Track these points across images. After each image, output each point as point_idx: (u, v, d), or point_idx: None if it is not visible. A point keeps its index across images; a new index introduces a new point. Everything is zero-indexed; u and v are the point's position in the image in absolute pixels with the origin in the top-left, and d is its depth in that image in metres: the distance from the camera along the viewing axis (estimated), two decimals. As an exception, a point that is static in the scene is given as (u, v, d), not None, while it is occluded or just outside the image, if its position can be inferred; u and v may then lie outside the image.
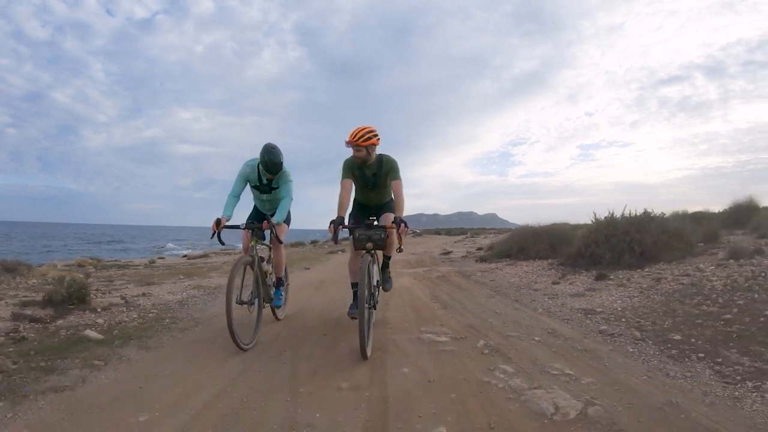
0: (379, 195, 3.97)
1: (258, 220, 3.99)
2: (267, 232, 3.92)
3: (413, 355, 3.23)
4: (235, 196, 3.85)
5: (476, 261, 10.84)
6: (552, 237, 9.24)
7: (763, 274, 4.57)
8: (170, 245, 40.17)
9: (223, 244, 3.74)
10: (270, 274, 4.03)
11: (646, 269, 6.14)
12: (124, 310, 4.62)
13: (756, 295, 4.01)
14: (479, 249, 14.37)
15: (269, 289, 3.99)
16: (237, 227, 3.70)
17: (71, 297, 4.47)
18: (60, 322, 4.01)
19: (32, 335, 3.57)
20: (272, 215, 3.97)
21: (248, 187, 4.04)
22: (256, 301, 3.64)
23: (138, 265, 11.17)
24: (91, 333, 3.61)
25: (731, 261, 5.57)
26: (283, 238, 4.02)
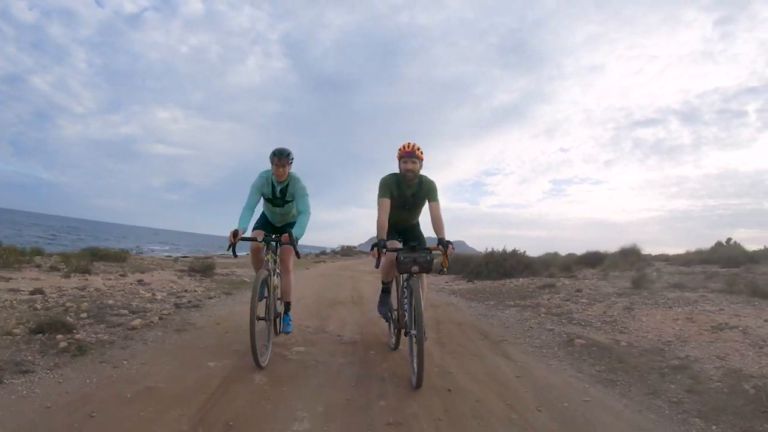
0: (411, 216, 3.89)
1: (268, 229, 4.05)
2: (274, 244, 3.80)
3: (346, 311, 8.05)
4: (250, 209, 3.81)
5: (421, 274, 15.93)
6: (467, 260, 14.35)
7: (555, 284, 9.65)
8: (155, 247, 42.92)
9: (236, 256, 3.75)
10: (277, 288, 3.92)
11: (502, 280, 11.21)
12: (235, 277, 9.25)
13: (536, 289, 9.06)
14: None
15: (278, 305, 3.93)
16: (254, 239, 3.78)
17: (206, 267, 9.09)
18: (213, 277, 8.63)
19: (208, 280, 8.21)
20: (282, 228, 4.06)
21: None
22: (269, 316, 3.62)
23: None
24: (243, 278, 8.31)
25: (550, 278, 10.69)
26: (292, 262, 4.01)
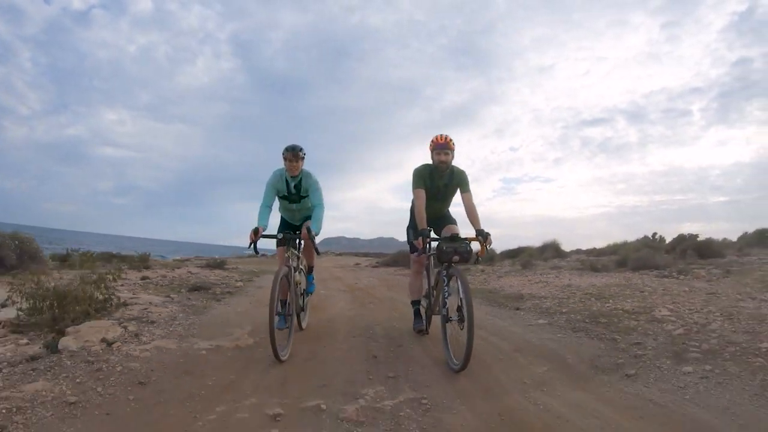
0: (442, 206, 4.04)
1: (289, 230, 4.26)
2: (297, 241, 4.07)
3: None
4: (268, 207, 4.02)
5: (372, 267, 20.19)
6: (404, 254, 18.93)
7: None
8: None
9: (258, 253, 3.90)
10: (299, 284, 4.11)
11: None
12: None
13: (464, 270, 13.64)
14: (377, 263, 23.93)
15: (299, 300, 4.11)
16: (274, 236, 3.95)
17: (220, 263, 12.72)
18: (227, 271, 12.31)
19: (227, 272, 11.91)
20: (300, 225, 4.26)
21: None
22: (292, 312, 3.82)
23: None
24: (251, 269, 12.07)
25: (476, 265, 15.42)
26: (314, 252, 4.32)
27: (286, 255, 3.89)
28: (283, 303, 3.82)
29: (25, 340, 3.80)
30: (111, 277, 4.94)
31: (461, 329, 3.24)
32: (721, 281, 6.64)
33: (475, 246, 3.63)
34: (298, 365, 3.57)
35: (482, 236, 3.56)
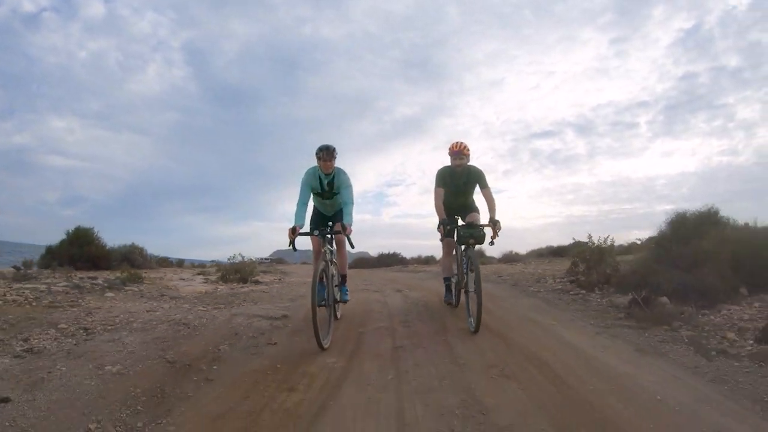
0: (465, 199, 4.65)
1: (321, 222, 4.58)
2: (330, 236, 4.27)
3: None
4: (303, 204, 4.23)
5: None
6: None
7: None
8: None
9: (296, 250, 4.07)
10: (334, 276, 4.23)
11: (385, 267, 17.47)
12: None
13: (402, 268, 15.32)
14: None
15: (335, 291, 4.21)
16: (310, 234, 4.17)
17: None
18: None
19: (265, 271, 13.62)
20: (333, 216, 4.60)
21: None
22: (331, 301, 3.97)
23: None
24: (277, 269, 13.73)
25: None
26: (345, 245, 4.40)
27: (323, 250, 4.05)
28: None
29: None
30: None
31: (476, 297, 3.86)
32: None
33: (490, 231, 4.27)
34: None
35: (493, 223, 4.19)
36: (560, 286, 6.59)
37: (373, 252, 22.26)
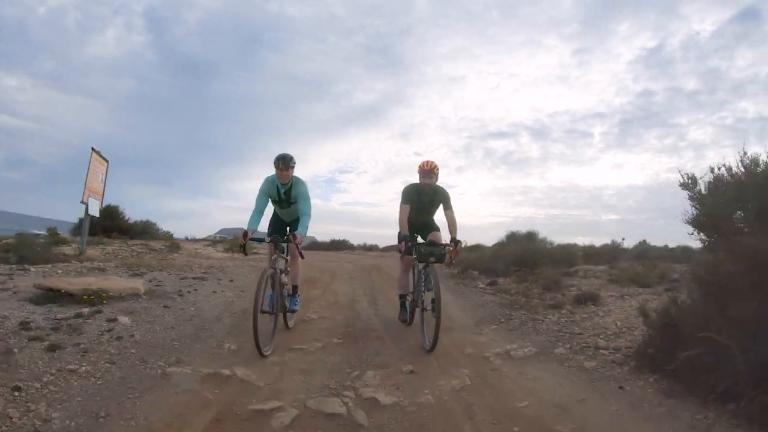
0: (427, 216, 4.71)
1: (279, 226, 4.64)
2: (284, 245, 4.23)
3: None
4: (259, 212, 4.30)
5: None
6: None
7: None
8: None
9: (246, 254, 4.37)
10: (286, 285, 4.25)
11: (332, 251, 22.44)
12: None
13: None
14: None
15: (285, 299, 4.24)
16: (262, 240, 4.22)
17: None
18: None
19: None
20: (293, 227, 4.53)
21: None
22: (275, 310, 3.88)
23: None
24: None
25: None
26: (298, 254, 4.30)
27: (273, 257, 4.09)
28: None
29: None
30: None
31: (433, 317, 3.80)
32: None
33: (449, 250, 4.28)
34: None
35: (455, 243, 4.24)
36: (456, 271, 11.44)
37: (320, 238, 24.49)
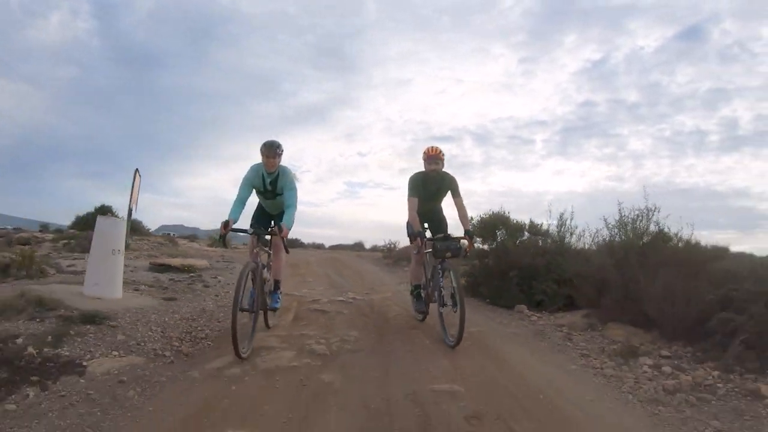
0: (434, 205, 4.52)
1: (263, 219, 4.40)
2: (268, 237, 4.03)
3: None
4: (241, 202, 4.04)
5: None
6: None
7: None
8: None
9: (226, 246, 4.30)
10: (268, 281, 4.09)
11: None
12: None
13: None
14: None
15: (266, 297, 4.06)
16: (244, 231, 4.03)
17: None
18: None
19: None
20: (278, 220, 4.21)
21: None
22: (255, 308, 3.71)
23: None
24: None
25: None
26: (282, 247, 4.19)
27: (255, 251, 3.95)
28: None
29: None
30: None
31: (454, 313, 3.74)
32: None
33: (465, 243, 4.21)
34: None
35: (469, 235, 4.17)
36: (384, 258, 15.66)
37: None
